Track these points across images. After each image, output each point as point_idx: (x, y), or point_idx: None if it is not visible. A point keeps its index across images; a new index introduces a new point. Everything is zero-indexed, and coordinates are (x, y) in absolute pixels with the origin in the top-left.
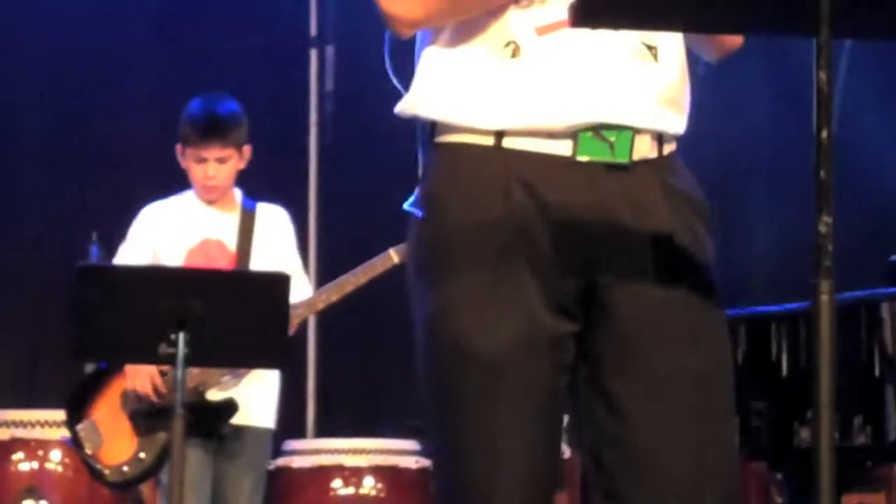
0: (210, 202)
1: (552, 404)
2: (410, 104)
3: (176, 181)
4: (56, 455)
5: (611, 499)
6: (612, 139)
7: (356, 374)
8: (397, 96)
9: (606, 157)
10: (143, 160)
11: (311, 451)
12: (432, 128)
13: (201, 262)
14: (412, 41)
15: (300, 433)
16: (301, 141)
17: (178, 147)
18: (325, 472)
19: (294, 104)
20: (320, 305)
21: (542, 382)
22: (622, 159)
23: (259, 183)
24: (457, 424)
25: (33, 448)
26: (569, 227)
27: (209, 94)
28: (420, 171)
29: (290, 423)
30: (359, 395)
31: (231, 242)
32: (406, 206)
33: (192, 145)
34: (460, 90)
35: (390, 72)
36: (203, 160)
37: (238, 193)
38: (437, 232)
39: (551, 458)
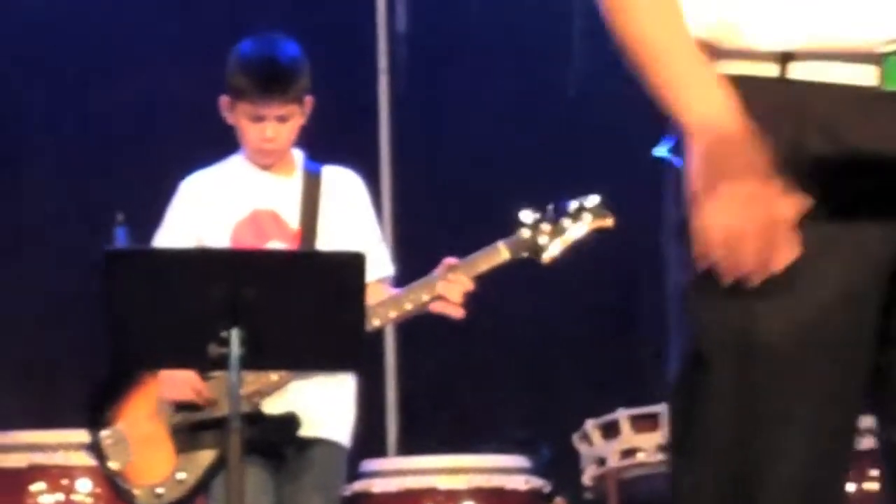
0: (265, 166)
1: None
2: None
3: (215, 143)
4: (84, 485)
5: None
6: None
7: (445, 379)
8: (483, 37)
9: None
10: (172, 120)
11: (395, 472)
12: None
13: (251, 239)
14: None
15: (380, 451)
16: (368, 92)
17: (224, 100)
18: (415, 497)
19: (359, 48)
20: (408, 306)
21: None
22: None
23: (318, 141)
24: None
25: (56, 476)
26: (885, 181)
27: (263, 36)
28: None
29: (368, 439)
30: (450, 404)
31: (290, 214)
32: (660, 150)
33: (247, 100)
34: (736, 1)
35: None
36: (260, 118)
37: (299, 155)
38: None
39: None
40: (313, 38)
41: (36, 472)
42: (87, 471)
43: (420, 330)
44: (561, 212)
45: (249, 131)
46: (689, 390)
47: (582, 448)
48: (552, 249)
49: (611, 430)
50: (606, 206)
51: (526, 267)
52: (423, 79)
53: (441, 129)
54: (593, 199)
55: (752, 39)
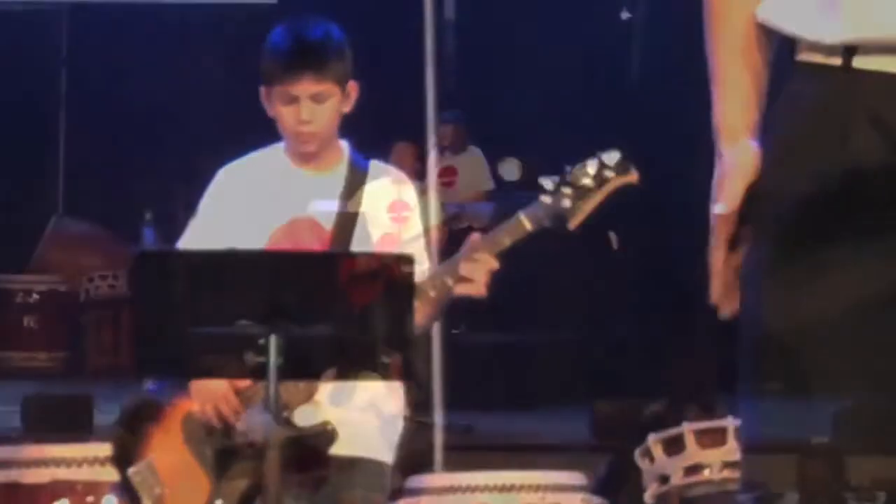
0: (306, 158)
1: None
2: (768, 10)
3: (248, 138)
4: (110, 502)
5: None
6: None
7: (496, 388)
8: (531, 26)
9: None
10: (204, 116)
11: (443, 489)
12: (792, 42)
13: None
14: None
15: (426, 466)
16: (414, 84)
17: (262, 90)
18: None
19: (405, 37)
20: (432, 293)
21: None
22: None
23: (360, 137)
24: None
25: (81, 493)
26: None
27: (296, 18)
28: None
29: (413, 453)
30: (500, 415)
31: (328, 216)
32: None
33: (278, 83)
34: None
35: None
36: (293, 99)
37: (345, 147)
38: (767, 176)
39: None
40: (354, 29)
41: (58, 487)
42: (113, 487)
43: (470, 339)
44: (581, 173)
45: (285, 116)
46: (742, 374)
47: (643, 464)
48: (576, 213)
49: (675, 446)
50: (628, 161)
51: (586, 272)
52: (472, 67)
53: (494, 125)
54: (613, 156)
55: (819, 33)
